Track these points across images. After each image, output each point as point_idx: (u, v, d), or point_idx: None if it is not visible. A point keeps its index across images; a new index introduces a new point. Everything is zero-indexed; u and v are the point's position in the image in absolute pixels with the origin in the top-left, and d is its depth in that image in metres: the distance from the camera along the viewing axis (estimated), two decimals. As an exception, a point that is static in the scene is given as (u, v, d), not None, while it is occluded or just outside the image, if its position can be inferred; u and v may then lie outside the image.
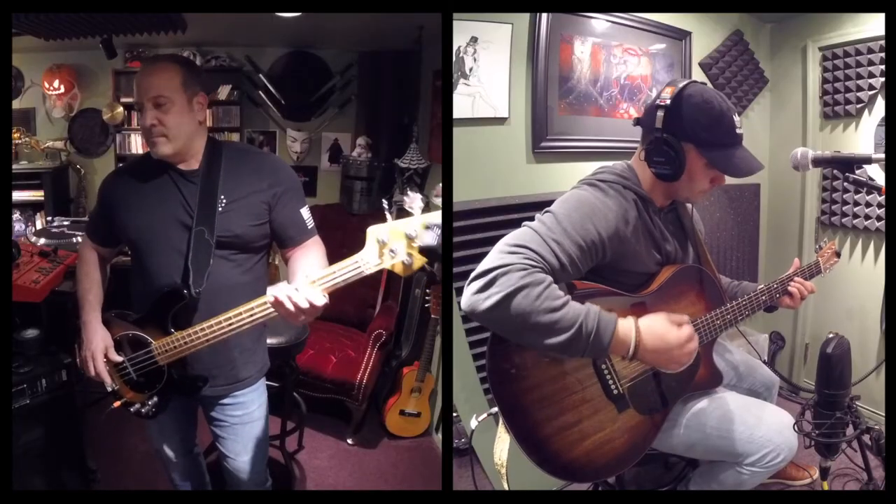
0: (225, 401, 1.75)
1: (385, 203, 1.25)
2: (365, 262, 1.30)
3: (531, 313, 1.21)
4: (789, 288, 1.80)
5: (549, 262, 1.28)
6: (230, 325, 1.47)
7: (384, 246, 1.27)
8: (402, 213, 1.35)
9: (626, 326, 1.31)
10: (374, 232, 1.27)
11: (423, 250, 1.26)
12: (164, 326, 1.56)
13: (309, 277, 1.35)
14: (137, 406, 1.66)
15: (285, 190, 1.64)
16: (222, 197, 1.58)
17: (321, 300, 1.34)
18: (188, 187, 1.60)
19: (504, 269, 1.23)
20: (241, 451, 1.82)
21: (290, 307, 1.34)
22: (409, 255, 1.27)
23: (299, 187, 1.71)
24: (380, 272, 1.31)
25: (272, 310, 1.41)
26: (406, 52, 3.73)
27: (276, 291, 1.36)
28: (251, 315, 1.45)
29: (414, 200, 1.30)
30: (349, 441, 3.24)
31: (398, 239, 1.27)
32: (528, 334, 1.26)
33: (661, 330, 1.34)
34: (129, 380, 1.64)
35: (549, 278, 1.26)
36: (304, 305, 1.33)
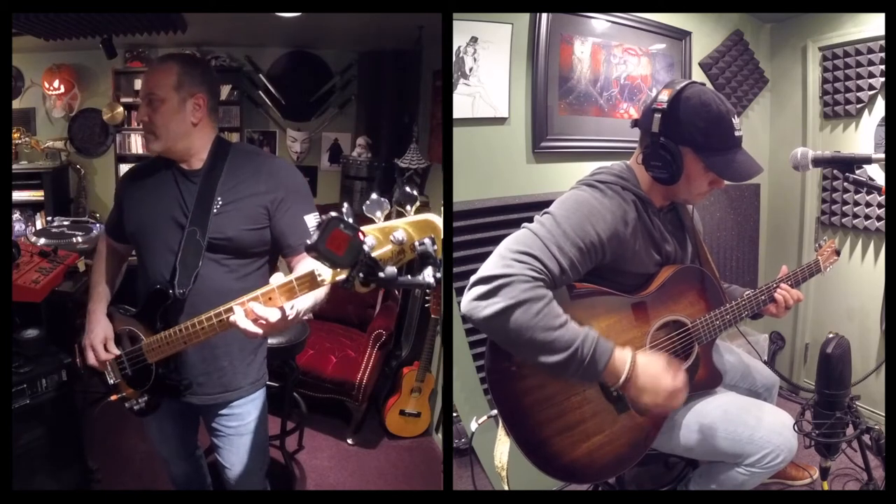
0: (221, 411, 1.73)
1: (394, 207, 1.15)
2: (320, 272, 1.17)
3: (529, 329, 1.22)
4: (775, 294, 1.73)
5: (551, 269, 1.27)
6: (211, 325, 1.36)
7: None
8: (400, 215, 1.25)
9: (621, 357, 1.31)
10: None
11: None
12: (153, 324, 1.56)
13: (268, 287, 1.26)
14: (132, 402, 1.66)
15: (286, 195, 1.59)
16: (219, 198, 1.56)
17: (275, 316, 1.26)
18: (188, 187, 1.59)
19: (508, 279, 1.23)
20: (236, 462, 1.80)
21: (251, 330, 1.28)
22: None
23: (304, 192, 1.65)
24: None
25: None
26: (406, 52, 3.73)
27: (236, 313, 1.28)
28: (225, 318, 1.33)
29: (376, 207, 1.15)
30: (349, 441, 3.24)
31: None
32: (523, 348, 1.26)
33: (657, 372, 1.34)
34: (126, 374, 1.64)
35: (550, 294, 1.26)
36: (254, 331, 1.27)
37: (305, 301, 1.35)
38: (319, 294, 1.40)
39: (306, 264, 1.54)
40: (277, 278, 1.28)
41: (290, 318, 1.32)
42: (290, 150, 4.41)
